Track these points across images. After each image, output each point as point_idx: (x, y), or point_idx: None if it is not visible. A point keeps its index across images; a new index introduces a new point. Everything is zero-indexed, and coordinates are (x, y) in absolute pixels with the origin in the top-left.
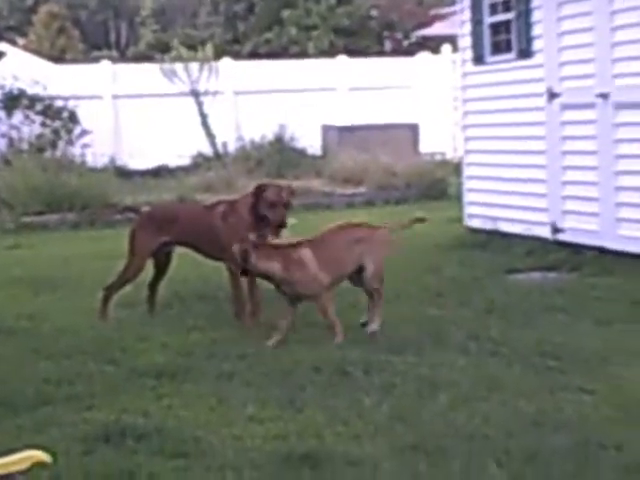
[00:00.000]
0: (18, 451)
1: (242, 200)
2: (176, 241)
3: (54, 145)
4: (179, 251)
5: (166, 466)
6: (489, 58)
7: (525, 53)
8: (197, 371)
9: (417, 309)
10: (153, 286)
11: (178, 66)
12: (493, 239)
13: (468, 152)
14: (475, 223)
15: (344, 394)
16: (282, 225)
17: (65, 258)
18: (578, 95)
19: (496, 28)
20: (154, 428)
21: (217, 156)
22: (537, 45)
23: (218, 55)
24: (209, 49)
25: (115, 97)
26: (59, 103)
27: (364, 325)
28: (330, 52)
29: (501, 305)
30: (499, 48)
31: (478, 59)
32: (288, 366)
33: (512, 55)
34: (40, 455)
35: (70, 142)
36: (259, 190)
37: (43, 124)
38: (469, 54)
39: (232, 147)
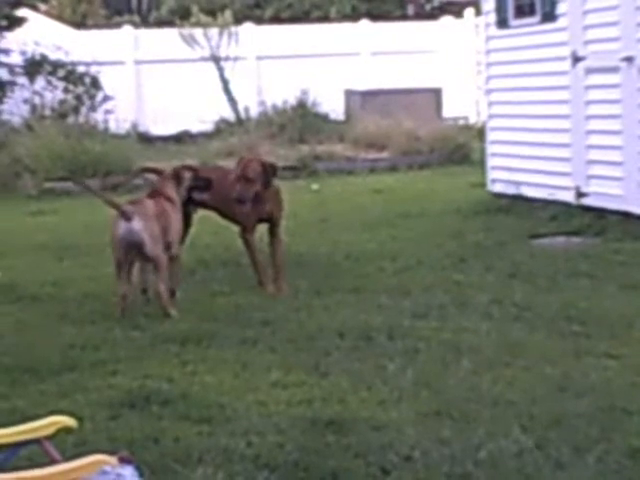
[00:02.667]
0: (44, 416)
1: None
2: (203, 203)
3: (77, 111)
4: (200, 217)
5: (191, 431)
6: (513, 22)
7: (549, 16)
8: (221, 337)
9: (440, 274)
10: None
11: (197, 32)
12: (516, 204)
13: (491, 116)
14: (498, 188)
15: (368, 359)
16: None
17: (88, 224)
18: (602, 59)
19: None
20: (179, 394)
21: (239, 121)
22: (561, 8)
23: (239, 20)
24: (228, 14)
25: (137, 63)
26: (81, 69)
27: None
28: (352, 16)
29: (525, 270)
30: (523, 11)
31: (502, 23)
32: (312, 332)
33: (536, 18)
34: (66, 420)
35: (93, 108)
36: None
37: (65, 90)
38: (492, 18)
39: (254, 112)
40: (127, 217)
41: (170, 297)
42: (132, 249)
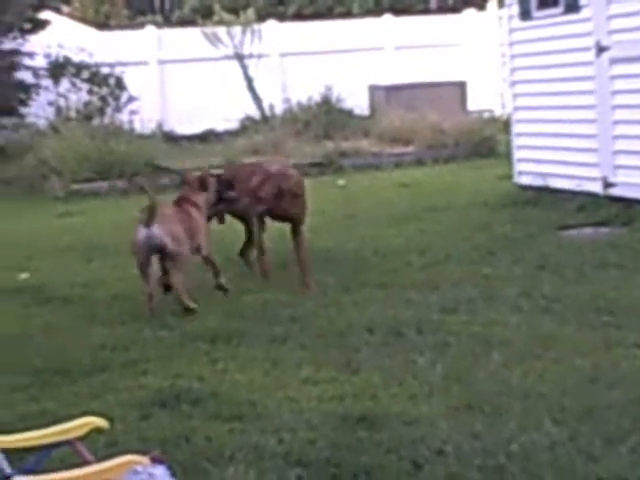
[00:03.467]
0: (75, 418)
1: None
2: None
3: (102, 112)
4: (228, 216)
5: (222, 429)
6: (536, 13)
7: (572, 7)
8: (251, 334)
9: (469, 268)
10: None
11: (221, 30)
12: (543, 196)
13: (517, 109)
14: (525, 180)
15: (398, 354)
16: None
17: (116, 224)
18: (627, 48)
19: None
20: (209, 392)
21: (264, 119)
22: None
23: (262, 17)
24: (251, 12)
25: (161, 62)
26: (105, 70)
27: None
28: (375, 11)
29: (553, 262)
30: (546, 3)
31: (525, 14)
32: (342, 328)
33: (559, 9)
34: (98, 421)
35: (117, 109)
36: None
37: (90, 91)
38: (515, 10)
39: (279, 109)
40: (146, 223)
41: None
42: (153, 252)
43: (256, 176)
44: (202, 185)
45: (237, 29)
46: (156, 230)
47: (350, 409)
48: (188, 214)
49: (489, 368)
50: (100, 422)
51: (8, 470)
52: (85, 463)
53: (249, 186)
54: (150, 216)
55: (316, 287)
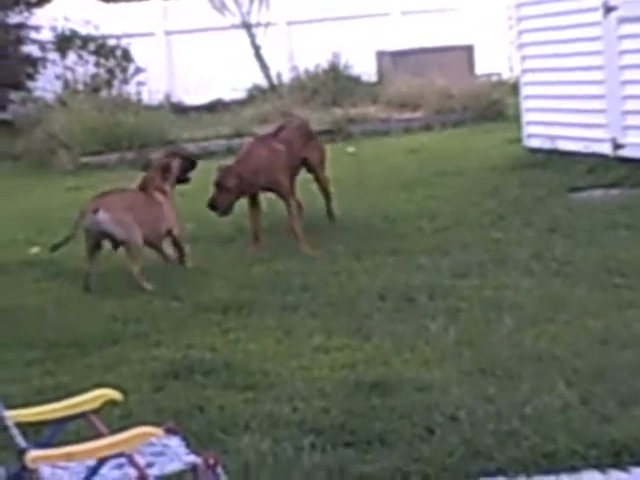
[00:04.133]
0: (89, 390)
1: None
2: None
3: (109, 84)
4: None
5: (236, 399)
6: None
7: None
8: (262, 304)
9: (479, 232)
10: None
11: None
12: (553, 158)
13: (525, 71)
14: (534, 143)
15: (410, 320)
16: None
17: None
18: (635, 8)
19: None
20: (222, 362)
21: (272, 87)
22: None
23: None
24: None
25: (167, 33)
26: (112, 42)
27: None
28: None
29: (564, 224)
30: None
31: None
32: (352, 295)
33: None
34: (112, 393)
35: (125, 81)
36: None
37: (97, 64)
38: None
39: (286, 78)
40: (94, 210)
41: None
42: (100, 238)
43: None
44: (165, 168)
45: None
46: (101, 217)
47: (363, 376)
48: (152, 198)
49: (501, 332)
50: (114, 394)
51: (23, 444)
52: (99, 436)
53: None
54: (99, 202)
55: (318, 251)
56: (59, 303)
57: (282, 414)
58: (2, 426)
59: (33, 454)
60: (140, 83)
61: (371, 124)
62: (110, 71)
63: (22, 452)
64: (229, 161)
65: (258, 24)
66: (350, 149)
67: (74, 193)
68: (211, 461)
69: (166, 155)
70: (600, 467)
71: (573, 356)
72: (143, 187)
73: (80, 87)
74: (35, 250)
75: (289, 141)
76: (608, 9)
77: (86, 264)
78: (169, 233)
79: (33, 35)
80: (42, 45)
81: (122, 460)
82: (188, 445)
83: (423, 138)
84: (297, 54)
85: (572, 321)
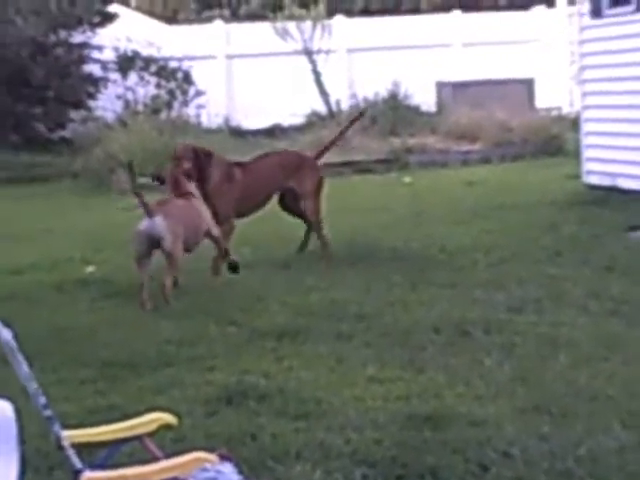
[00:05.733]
0: (142, 413)
1: None
2: None
3: (169, 106)
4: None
5: (288, 427)
6: (607, 11)
7: None
8: (317, 331)
9: (536, 268)
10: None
11: (290, 25)
12: (612, 196)
13: (586, 107)
14: (593, 180)
15: (464, 354)
16: None
17: None
18: None
19: None
20: (275, 389)
21: (331, 114)
22: None
23: (330, 12)
24: (321, 7)
25: (228, 57)
26: (173, 64)
27: None
28: (443, 7)
29: (622, 263)
30: (617, 1)
31: (596, 12)
32: (407, 326)
33: (630, 8)
34: (167, 417)
35: (185, 103)
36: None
37: (158, 85)
38: (586, 7)
39: (345, 105)
40: (150, 214)
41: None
42: (151, 243)
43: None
44: (186, 173)
45: (307, 24)
46: (158, 222)
47: (416, 409)
48: (191, 204)
49: (556, 369)
50: (170, 419)
51: (79, 465)
52: (154, 459)
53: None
54: (159, 209)
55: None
56: (113, 323)
57: (334, 444)
58: (58, 445)
59: (88, 475)
60: (200, 106)
61: (429, 155)
62: (171, 93)
63: (77, 473)
64: None
65: (319, 51)
66: (407, 179)
67: (131, 213)
68: None
69: (179, 157)
70: None
71: (629, 397)
72: (180, 195)
73: (140, 108)
74: (91, 269)
75: (259, 170)
76: None
77: (139, 272)
78: (208, 234)
79: (95, 55)
80: (104, 65)
81: None
82: (241, 472)
83: (481, 171)
84: (357, 82)
85: (628, 362)
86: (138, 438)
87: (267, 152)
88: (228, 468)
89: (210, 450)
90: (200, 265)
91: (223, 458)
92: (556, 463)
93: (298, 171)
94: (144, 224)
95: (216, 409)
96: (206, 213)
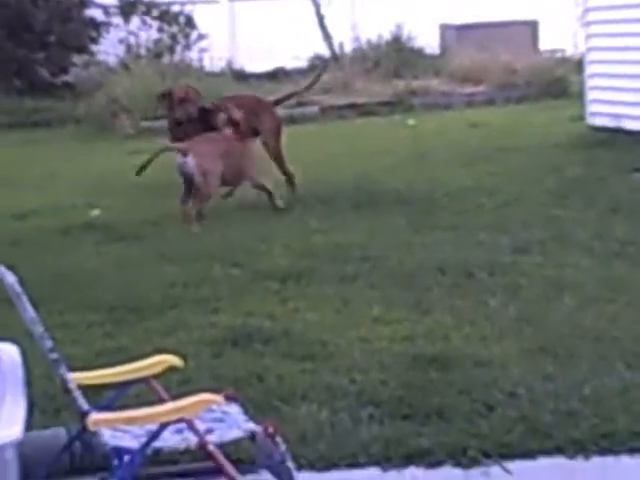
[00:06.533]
0: (149, 355)
1: None
2: None
3: (172, 50)
4: (293, 155)
5: (294, 368)
6: None
7: None
8: (321, 273)
9: (540, 210)
10: None
11: None
12: (617, 137)
13: (590, 49)
14: (598, 121)
15: (470, 296)
16: None
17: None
18: None
19: None
20: (281, 331)
21: (334, 57)
22: None
23: None
24: None
25: (231, 0)
26: (175, 8)
27: None
28: None
29: (627, 205)
30: None
31: None
32: (412, 268)
33: None
34: (173, 359)
35: (187, 47)
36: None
37: (160, 29)
38: None
39: (349, 48)
40: (184, 153)
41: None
42: (185, 177)
43: None
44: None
45: None
46: (189, 160)
47: (421, 349)
48: (241, 144)
49: (561, 311)
50: (175, 360)
51: (85, 406)
52: (160, 401)
53: None
54: (192, 146)
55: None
56: (119, 266)
57: (340, 385)
58: (64, 388)
59: (95, 417)
60: (202, 50)
61: (433, 97)
62: (173, 37)
63: (84, 415)
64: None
65: None
66: (411, 122)
67: (135, 157)
68: (270, 430)
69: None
70: None
71: (633, 338)
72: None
73: (143, 52)
74: (96, 213)
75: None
76: None
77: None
78: (250, 178)
79: None
80: (106, 9)
81: (182, 425)
82: (247, 413)
83: (485, 113)
84: (360, 25)
85: (633, 303)
86: (144, 380)
87: (232, 95)
88: (234, 409)
89: (216, 392)
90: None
91: (229, 399)
92: (561, 403)
93: (259, 113)
94: (178, 160)
95: (222, 351)
96: (253, 157)
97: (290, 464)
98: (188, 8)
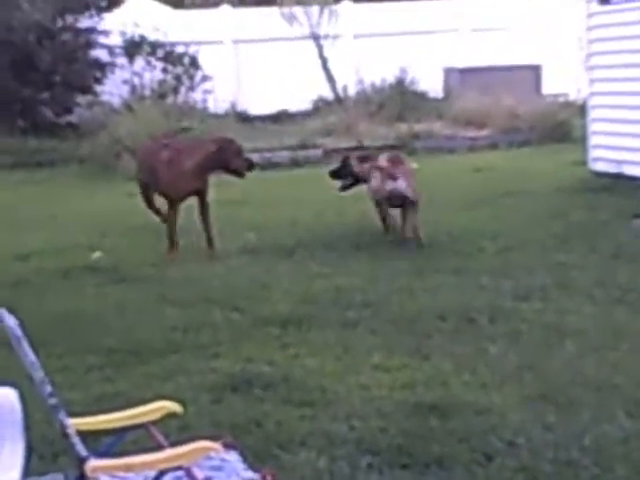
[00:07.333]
0: (148, 400)
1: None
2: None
3: (176, 91)
4: (297, 198)
5: (293, 415)
6: None
7: None
8: (322, 319)
9: (543, 255)
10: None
11: (298, 10)
12: (619, 183)
13: (593, 94)
14: (600, 166)
15: (470, 342)
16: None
17: (190, 205)
18: None
19: None
20: (281, 377)
21: (338, 100)
22: None
23: None
24: None
25: (236, 42)
26: (180, 49)
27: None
28: None
29: (628, 251)
30: None
31: None
32: (413, 314)
33: None
34: (172, 406)
35: (192, 88)
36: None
37: (164, 70)
38: None
39: (352, 91)
40: (394, 177)
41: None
42: (398, 201)
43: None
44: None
45: (315, 9)
46: (400, 184)
47: (421, 397)
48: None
49: (562, 358)
50: (175, 407)
51: (84, 452)
52: (159, 447)
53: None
54: (397, 170)
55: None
56: (120, 309)
57: (339, 432)
58: (63, 433)
59: (93, 464)
60: (207, 91)
61: (436, 141)
62: (177, 78)
63: (82, 461)
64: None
65: (326, 36)
66: (414, 165)
67: (137, 198)
68: (268, 478)
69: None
70: None
71: (635, 386)
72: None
73: (147, 93)
74: (97, 254)
75: None
76: None
77: (386, 227)
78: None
79: (102, 40)
80: (111, 50)
81: (180, 473)
82: (245, 460)
83: (488, 157)
84: (364, 68)
85: (634, 351)
86: (143, 426)
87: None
88: (233, 456)
89: (215, 438)
90: (205, 253)
91: (228, 446)
92: (561, 452)
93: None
94: (389, 185)
95: (221, 397)
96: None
97: None
98: (193, 49)
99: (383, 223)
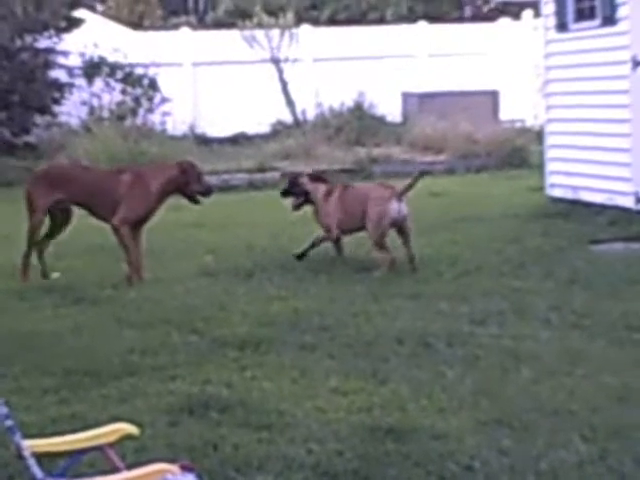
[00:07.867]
0: (104, 422)
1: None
2: (70, 200)
3: (134, 113)
4: (254, 221)
5: (250, 438)
6: (572, 25)
7: (609, 20)
8: (279, 342)
9: (499, 280)
10: (43, 241)
11: (259, 33)
12: (575, 209)
13: (550, 120)
14: (557, 192)
15: (427, 366)
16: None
17: (147, 227)
18: None
19: None
20: (238, 400)
21: (296, 123)
22: (622, 12)
23: (297, 21)
24: (290, 15)
25: (195, 64)
26: (139, 71)
27: None
28: (409, 18)
29: (584, 276)
30: (583, 15)
31: (561, 26)
32: (370, 337)
33: (596, 22)
34: (129, 428)
35: (150, 110)
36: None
37: (123, 92)
38: (552, 21)
39: (311, 114)
40: (399, 198)
41: None
42: (399, 224)
43: None
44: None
45: (275, 32)
46: (403, 206)
47: (378, 421)
48: None
49: (518, 383)
50: (131, 429)
51: (39, 475)
52: (115, 470)
53: None
54: (396, 193)
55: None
56: (77, 330)
57: (296, 456)
58: (18, 455)
59: None
60: (165, 113)
61: (393, 165)
62: (136, 100)
63: None
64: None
65: (286, 59)
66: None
67: (90, 219)
68: None
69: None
70: None
71: (590, 412)
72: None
73: (105, 114)
74: (55, 275)
75: None
76: (637, 63)
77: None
78: None
79: (61, 60)
80: (70, 70)
81: None
82: None
83: (446, 182)
84: (323, 91)
85: (589, 376)
86: (100, 448)
87: None
88: (190, 479)
89: (172, 460)
90: (162, 275)
91: (185, 469)
92: (517, 477)
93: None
94: (395, 208)
95: (178, 419)
96: None
97: None
98: (152, 71)
99: (380, 248)
